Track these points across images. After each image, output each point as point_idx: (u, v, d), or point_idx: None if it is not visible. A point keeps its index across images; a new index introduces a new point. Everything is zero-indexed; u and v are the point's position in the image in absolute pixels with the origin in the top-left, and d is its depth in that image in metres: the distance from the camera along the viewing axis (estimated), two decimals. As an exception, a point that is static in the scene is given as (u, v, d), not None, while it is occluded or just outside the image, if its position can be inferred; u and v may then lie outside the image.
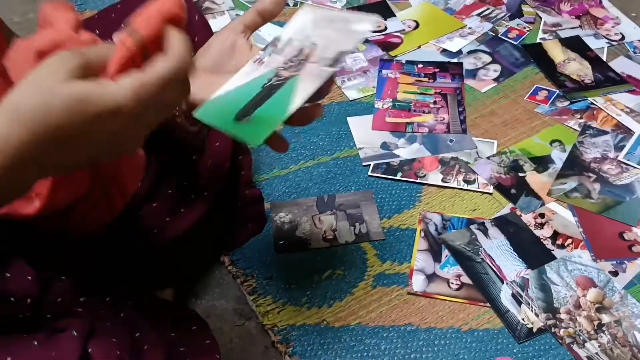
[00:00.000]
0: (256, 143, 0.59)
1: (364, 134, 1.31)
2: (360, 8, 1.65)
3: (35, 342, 0.63)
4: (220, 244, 1.08)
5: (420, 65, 1.47)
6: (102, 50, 0.50)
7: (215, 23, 1.58)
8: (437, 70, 1.45)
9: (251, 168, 1.09)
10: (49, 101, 0.46)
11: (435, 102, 1.37)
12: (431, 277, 1.05)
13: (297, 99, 0.60)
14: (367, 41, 1.54)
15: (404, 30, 1.58)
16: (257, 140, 0.58)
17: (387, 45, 1.53)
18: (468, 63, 1.48)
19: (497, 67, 1.47)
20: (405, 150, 1.27)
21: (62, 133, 0.46)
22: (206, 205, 0.90)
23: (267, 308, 1.02)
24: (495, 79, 1.44)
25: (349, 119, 1.35)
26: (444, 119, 1.33)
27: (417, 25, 1.59)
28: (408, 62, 1.48)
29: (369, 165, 1.25)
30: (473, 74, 1.46)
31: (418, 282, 1.05)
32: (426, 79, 1.43)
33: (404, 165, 1.24)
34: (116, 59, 0.49)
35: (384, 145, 1.28)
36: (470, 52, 1.51)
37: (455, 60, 1.49)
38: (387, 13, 1.62)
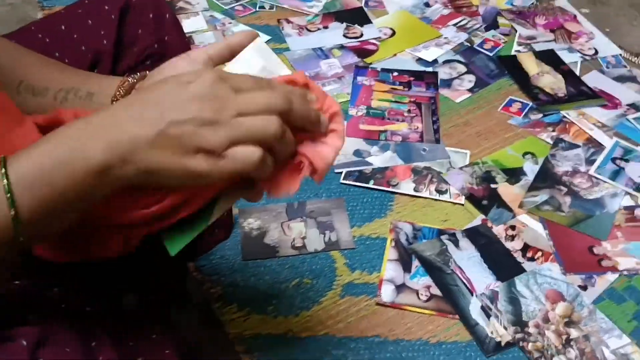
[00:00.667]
0: (172, 252, 0.53)
1: (337, 140, 1.29)
2: (337, 14, 1.64)
3: None
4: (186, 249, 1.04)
5: (395, 74, 1.46)
6: None
7: (189, 24, 1.55)
8: (412, 78, 1.44)
9: None
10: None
11: (409, 111, 1.36)
12: (400, 288, 1.04)
13: (222, 204, 0.53)
14: (342, 47, 1.53)
15: (380, 37, 1.57)
16: (173, 249, 0.53)
17: (362, 52, 1.52)
18: (443, 73, 1.47)
19: (472, 77, 1.47)
20: (378, 158, 1.25)
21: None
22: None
23: (232, 316, 0.99)
24: (470, 90, 1.44)
25: (322, 125, 1.33)
26: (417, 127, 1.32)
27: (393, 33, 1.58)
28: (383, 69, 1.47)
29: (341, 172, 1.23)
30: (448, 83, 1.45)
31: (387, 293, 1.03)
32: (401, 87, 1.42)
33: (376, 174, 1.23)
34: None
35: (357, 153, 1.27)
36: (446, 62, 1.51)
37: (430, 69, 1.48)
38: (364, 20, 1.61)
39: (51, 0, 1.59)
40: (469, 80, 1.46)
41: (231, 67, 0.59)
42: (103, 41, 0.84)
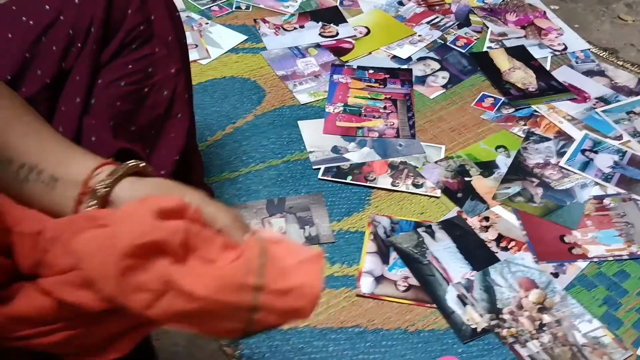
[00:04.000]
0: None
1: (315, 137, 1.32)
2: (313, 13, 1.66)
3: None
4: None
5: (371, 71, 1.48)
6: None
7: (166, 24, 1.56)
8: (387, 76, 1.47)
9: (202, 170, 1.07)
10: None
11: (385, 107, 1.39)
12: (379, 279, 1.06)
13: None
14: (318, 46, 1.55)
15: (355, 36, 1.59)
16: None
17: (338, 50, 1.55)
18: (417, 70, 1.50)
19: (446, 74, 1.50)
20: (356, 154, 1.28)
21: None
22: None
23: (214, 311, 1.01)
24: (444, 86, 1.47)
25: (300, 123, 1.35)
26: (393, 124, 1.35)
27: (368, 32, 1.61)
28: (359, 67, 1.49)
29: (320, 168, 1.25)
30: (422, 80, 1.48)
31: (366, 284, 1.06)
32: (377, 85, 1.45)
33: (354, 169, 1.25)
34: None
35: (335, 149, 1.29)
36: (420, 59, 1.54)
37: (405, 66, 1.51)
38: (339, 19, 1.64)
39: None
40: (443, 77, 1.49)
41: None
42: (91, 28, 0.79)
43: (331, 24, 1.62)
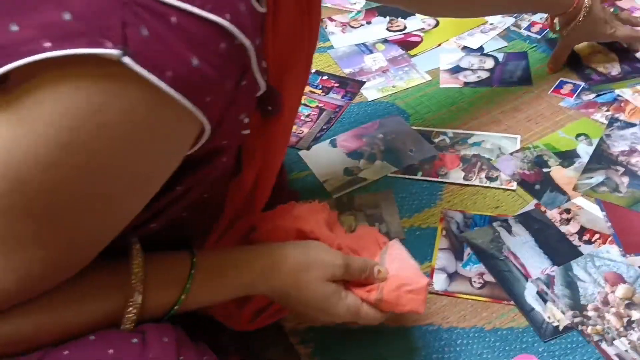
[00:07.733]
0: None
1: (384, 133, 1.30)
2: (380, 8, 1.64)
3: (135, 340, 0.62)
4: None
5: (325, 77, 1.44)
6: (361, 271, 0.81)
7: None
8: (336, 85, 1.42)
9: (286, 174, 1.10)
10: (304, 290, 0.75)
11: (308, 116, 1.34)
12: (453, 276, 1.03)
13: None
14: (385, 41, 1.53)
15: (423, 28, 1.56)
16: None
17: (406, 44, 1.52)
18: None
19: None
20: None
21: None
22: None
23: (286, 310, 1.01)
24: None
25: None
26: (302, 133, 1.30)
27: (437, 23, 1.57)
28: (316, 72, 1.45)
29: (389, 164, 1.23)
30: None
31: (439, 281, 1.02)
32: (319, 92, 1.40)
33: (424, 164, 1.22)
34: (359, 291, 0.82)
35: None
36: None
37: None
38: (406, 12, 1.61)
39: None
40: (517, 65, 1.43)
41: None
42: None
43: (399, 18, 1.60)
